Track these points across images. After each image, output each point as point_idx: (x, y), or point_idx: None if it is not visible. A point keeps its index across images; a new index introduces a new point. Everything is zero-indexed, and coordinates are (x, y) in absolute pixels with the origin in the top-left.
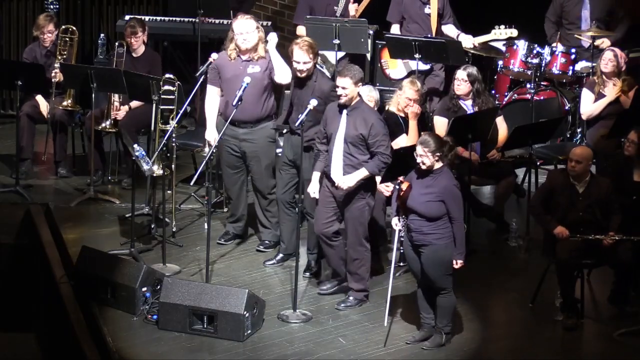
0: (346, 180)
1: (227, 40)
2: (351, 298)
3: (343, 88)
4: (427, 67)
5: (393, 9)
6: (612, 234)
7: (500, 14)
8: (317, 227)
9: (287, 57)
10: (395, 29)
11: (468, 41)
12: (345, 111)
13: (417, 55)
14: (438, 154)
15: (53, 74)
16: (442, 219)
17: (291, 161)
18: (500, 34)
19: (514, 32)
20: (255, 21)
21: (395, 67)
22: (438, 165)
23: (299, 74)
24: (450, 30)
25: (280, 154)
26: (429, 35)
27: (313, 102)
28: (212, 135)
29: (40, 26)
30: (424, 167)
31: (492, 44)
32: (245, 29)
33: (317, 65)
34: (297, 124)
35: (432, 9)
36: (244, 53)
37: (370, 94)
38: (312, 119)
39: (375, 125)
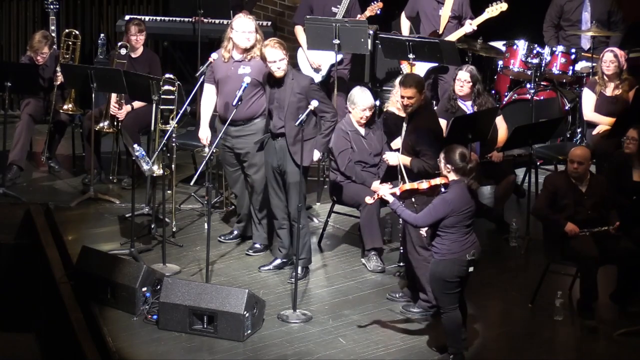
0: (394, 156)
1: (224, 39)
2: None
3: (409, 98)
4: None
5: (409, 4)
6: (617, 224)
7: (500, 15)
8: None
9: (264, 61)
10: (404, 22)
11: (468, 26)
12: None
13: (410, 55)
14: (449, 166)
15: (55, 78)
16: (440, 232)
17: (276, 168)
18: (492, 11)
19: (503, 6)
20: (255, 22)
21: (414, 70)
22: (452, 177)
23: (277, 74)
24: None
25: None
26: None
27: (314, 103)
28: (204, 133)
29: (35, 48)
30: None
31: (492, 44)
32: (248, 28)
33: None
34: (297, 123)
35: (444, 11)
36: (241, 52)
37: (365, 102)
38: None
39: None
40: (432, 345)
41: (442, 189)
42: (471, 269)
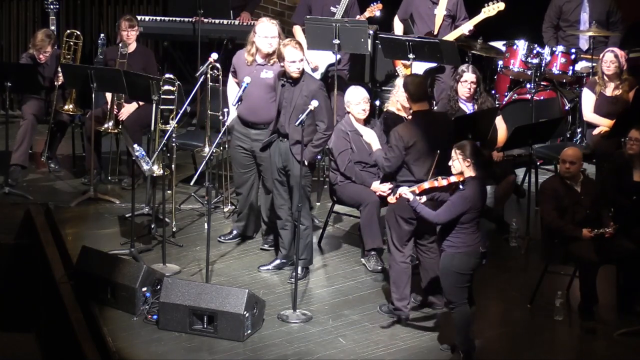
0: (368, 133)
1: (248, 42)
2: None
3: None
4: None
5: (402, 6)
6: (612, 224)
7: (500, 15)
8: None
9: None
10: (397, 24)
11: (466, 27)
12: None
13: (410, 55)
14: (469, 160)
15: (56, 78)
16: (456, 226)
17: (281, 169)
18: (489, 10)
19: (501, 5)
20: (278, 26)
21: (410, 72)
22: (469, 172)
23: (294, 74)
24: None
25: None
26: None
27: (314, 103)
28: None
29: (38, 46)
30: (453, 170)
31: (492, 44)
32: (271, 33)
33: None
34: (297, 123)
35: (439, 10)
36: (263, 57)
37: (358, 96)
38: (310, 120)
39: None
40: (432, 345)
41: (461, 186)
42: (484, 261)
